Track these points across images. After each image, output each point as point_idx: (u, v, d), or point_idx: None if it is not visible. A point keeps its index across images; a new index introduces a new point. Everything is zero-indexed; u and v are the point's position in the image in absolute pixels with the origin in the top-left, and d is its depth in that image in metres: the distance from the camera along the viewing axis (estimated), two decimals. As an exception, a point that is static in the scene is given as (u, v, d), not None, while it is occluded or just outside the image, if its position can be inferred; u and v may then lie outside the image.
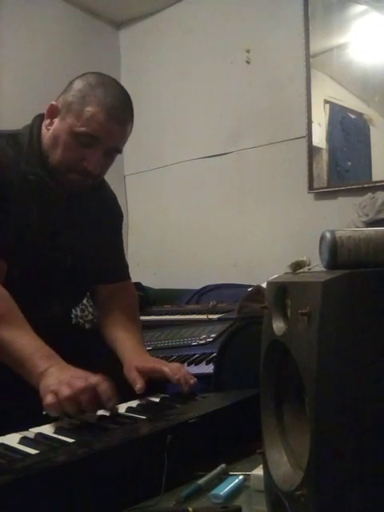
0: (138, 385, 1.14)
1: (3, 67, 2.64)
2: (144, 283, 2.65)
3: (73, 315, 2.07)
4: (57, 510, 0.72)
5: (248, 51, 2.71)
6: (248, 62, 2.72)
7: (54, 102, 1.23)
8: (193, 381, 1.17)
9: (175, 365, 1.21)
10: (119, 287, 1.43)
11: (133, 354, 1.24)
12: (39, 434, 0.93)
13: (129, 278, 1.49)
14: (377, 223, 1.97)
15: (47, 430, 0.96)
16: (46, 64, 2.75)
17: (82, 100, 1.18)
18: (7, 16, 2.65)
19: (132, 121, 1.26)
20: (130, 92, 1.26)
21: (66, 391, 0.96)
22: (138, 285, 2.44)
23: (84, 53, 2.95)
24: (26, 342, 1.08)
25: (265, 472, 0.76)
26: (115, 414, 1.04)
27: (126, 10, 3.09)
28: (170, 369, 1.16)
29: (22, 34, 2.72)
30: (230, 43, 2.78)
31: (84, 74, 1.24)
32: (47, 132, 1.24)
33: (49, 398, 0.97)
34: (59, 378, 0.99)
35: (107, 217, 1.41)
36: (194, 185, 2.93)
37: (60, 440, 0.90)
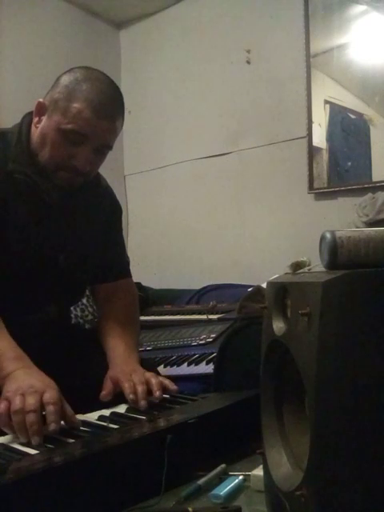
0: (103, 392, 1.14)
1: (3, 67, 2.64)
2: (144, 283, 2.65)
3: (73, 315, 2.07)
4: (57, 509, 0.72)
5: (248, 51, 2.71)
6: (248, 62, 2.72)
7: (41, 100, 1.20)
8: (158, 393, 1.13)
9: (145, 375, 1.17)
10: (119, 286, 1.41)
11: (118, 361, 1.23)
12: (39, 434, 0.93)
13: (129, 275, 1.46)
14: (377, 223, 1.97)
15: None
16: (46, 64, 2.74)
17: (69, 96, 1.14)
18: (8, 16, 2.65)
19: (122, 116, 1.22)
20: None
21: (17, 405, 0.92)
22: (138, 285, 2.43)
23: (84, 53, 2.94)
24: None
25: (265, 472, 0.76)
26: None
27: (126, 10, 3.09)
28: (135, 381, 1.13)
29: (23, 34, 2.72)
30: (230, 43, 2.78)
31: (71, 69, 1.20)
32: (36, 130, 1.20)
33: (1, 407, 0.94)
34: (19, 385, 0.97)
35: (104, 214, 1.38)
36: (194, 185, 2.92)
37: (60, 440, 0.90)
